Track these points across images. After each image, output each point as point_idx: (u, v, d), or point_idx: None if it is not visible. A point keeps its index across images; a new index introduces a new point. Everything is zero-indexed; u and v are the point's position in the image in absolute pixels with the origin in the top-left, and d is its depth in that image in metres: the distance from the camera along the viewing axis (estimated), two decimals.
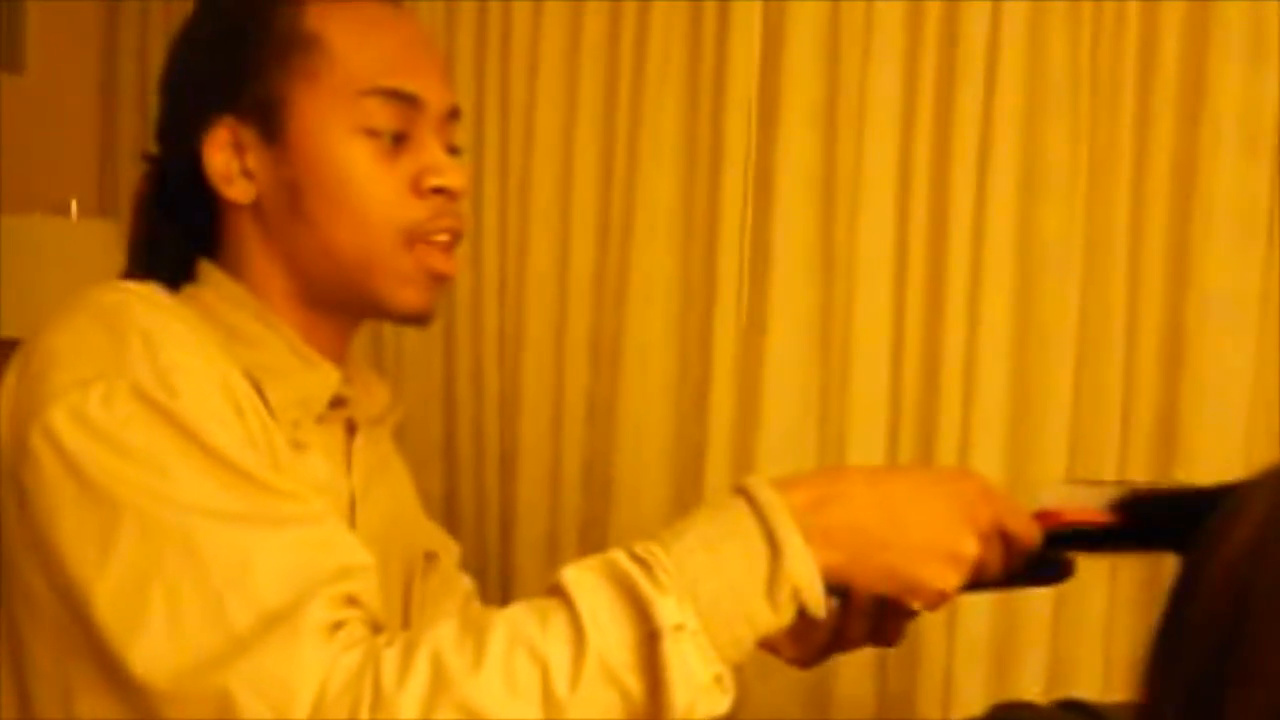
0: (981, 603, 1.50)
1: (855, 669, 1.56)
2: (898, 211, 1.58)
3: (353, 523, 0.84)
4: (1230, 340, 1.41)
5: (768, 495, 0.65)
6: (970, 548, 0.68)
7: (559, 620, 0.62)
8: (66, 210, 1.87)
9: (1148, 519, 0.75)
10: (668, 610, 0.61)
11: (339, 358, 0.85)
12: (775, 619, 0.64)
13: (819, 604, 0.65)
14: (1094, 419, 1.48)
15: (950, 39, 1.53)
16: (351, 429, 0.88)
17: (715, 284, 1.66)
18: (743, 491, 0.66)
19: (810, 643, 0.78)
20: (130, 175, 2.03)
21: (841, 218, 1.61)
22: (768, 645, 0.78)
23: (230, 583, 0.64)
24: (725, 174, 1.65)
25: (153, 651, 0.63)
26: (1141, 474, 1.45)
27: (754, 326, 1.65)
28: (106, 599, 0.64)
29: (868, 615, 0.75)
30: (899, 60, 1.56)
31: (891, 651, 1.56)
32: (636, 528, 1.63)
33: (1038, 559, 0.76)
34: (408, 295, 0.82)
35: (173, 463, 0.66)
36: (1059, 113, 1.48)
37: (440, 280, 0.83)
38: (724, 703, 0.63)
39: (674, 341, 1.72)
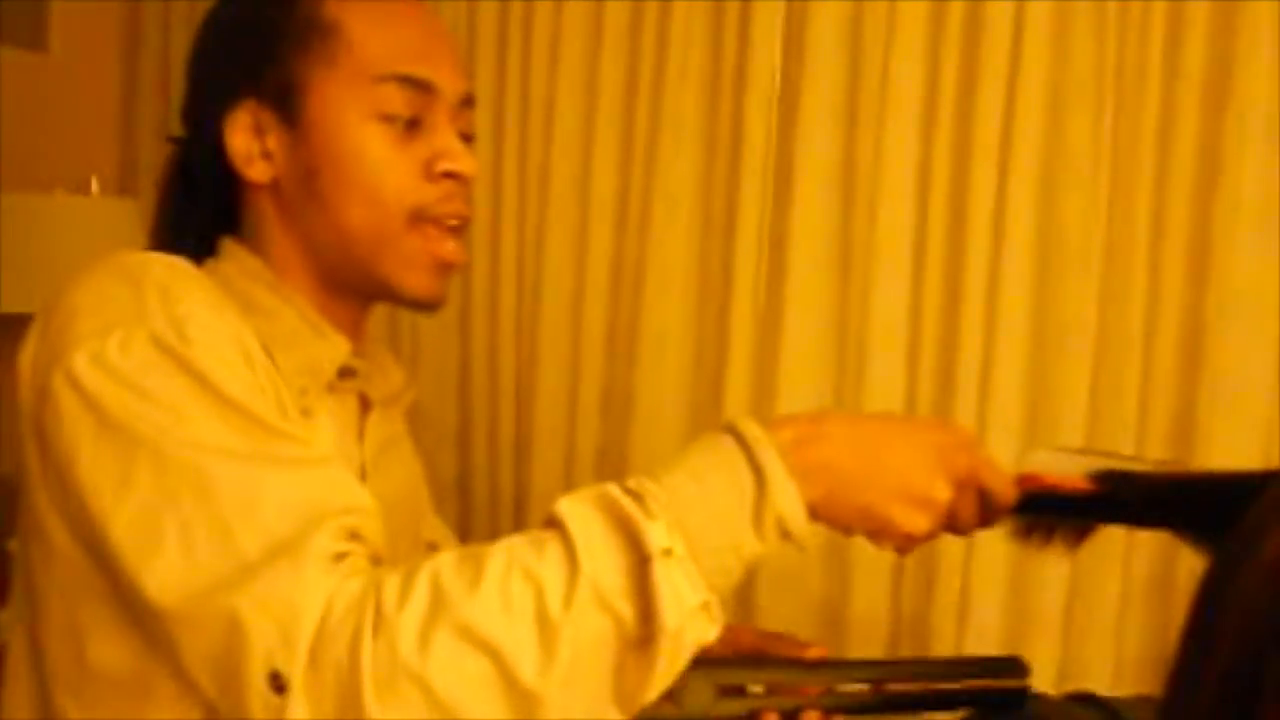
0: (992, 595, 1.50)
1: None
2: (917, 206, 1.58)
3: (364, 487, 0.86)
4: (1251, 338, 1.40)
5: (754, 431, 0.67)
6: (942, 493, 0.70)
7: (553, 546, 0.64)
8: (87, 188, 1.88)
9: (1125, 493, 0.77)
10: (657, 536, 0.63)
11: (353, 335, 0.87)
12: (761, 547, 0.66)
13: (804, 532, 0.67)
14: (1111, 417, 1.48)
15: (973, 32, 1.53)
16: (367, 406, 0.90)
17: (733, 275, 1.66)
18: (730, 429, 0.68)
19: None
20: (151, 154, 2.05)
21: (860, 211, 1.61)
22: None
23: (239, 515, 0.66)
24: (744, 166, 1.65)
25: (166, 575, 0.66)
26: None
27: (771, 318, 1.66)
28: (122, 528, 0.67)
29: None
30: (921, 53, 1.56)
31: (902, 644, 1.56)
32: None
33: (996, 694, 0.78)
34: (414, 279, 0.84)
35: (186, 406, 0.69)
36: (1082, 107, 1.48)
37: (447, 267, 0.85)
38: (711, 631, 0.65)
39: (691, 332, 1.72)
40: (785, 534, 0.67)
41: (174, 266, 0.76)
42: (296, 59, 0.81)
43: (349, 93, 0.81)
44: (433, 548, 0.99)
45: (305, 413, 0.80)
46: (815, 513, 0.68)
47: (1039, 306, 1.51)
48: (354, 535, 0.68)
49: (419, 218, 0.83)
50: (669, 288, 1.71)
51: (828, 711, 0.76)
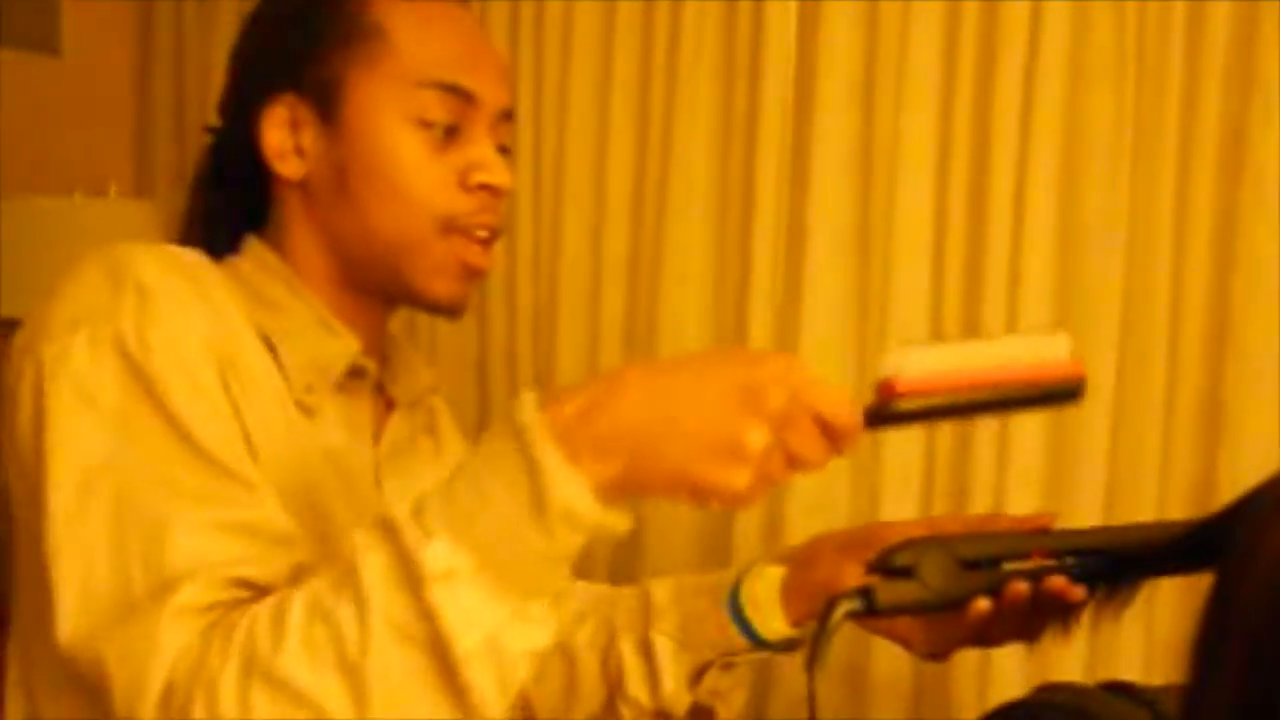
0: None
1: (890, 647, 1.55)
2: (936, 188, 1.56)
3: (379, 488, 0.87)
4: (1278, 319, 1.38)
5: (527, 416, 0.61)
6: (755, 438, 0.60)
7: (348, 585, 0.62)
8: (105, 191, 1.89)
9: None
10: (435, 557, 0.60)
11: (372, 337, 0.87)
12: (552, 544, 0.60)
13: (595, 518, 0.61)
14: (1137, 398, 1.46)
15: (991, 9, 1.50)
16: (390, 405, 0.91)
17: (750, 262, 1.65)
18: (507, 417, 0.63)
19: (945, 636, 0.83)
20: (166, 155, 2.05)
21: (879, 194, 1.59)
22: (895, 637, 0.80)
23: (142, 551, 0.67)
24: (761, 150, 1.63)
25: (65, 610, 0.67)
26: (1186, 457, 1.43)
27: (790, 304, 1.64)
28: (51, 541, 0.69)
29: (1017, 613, 0.76)
30: (939, 32, 1.54)
31: None
32: (669, 509, 1.63)
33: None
34: (439, 285, 0.85)
35: (134, 421, 0.70)
36: (1103, 85, 1.45)
37: (473, 274, 0.86)
38: (542, 633, 0.62)
39: (708, 320, 1.71)
40: (576, 525, 0.60)
41: (164, 264, 0.75)
42: (339, 57, 0.82)
43: (388, 95, 0.81)
44: None
45: (306, 410, 0.80)
46: (620, 488, 0.61)
47: (1062, 290, 1.49)
48: (241, 583, 0.67)
49: (449, 227, 0.83)
50: (686, 275, 1.70)
51: (1074, 578, 0.74)
